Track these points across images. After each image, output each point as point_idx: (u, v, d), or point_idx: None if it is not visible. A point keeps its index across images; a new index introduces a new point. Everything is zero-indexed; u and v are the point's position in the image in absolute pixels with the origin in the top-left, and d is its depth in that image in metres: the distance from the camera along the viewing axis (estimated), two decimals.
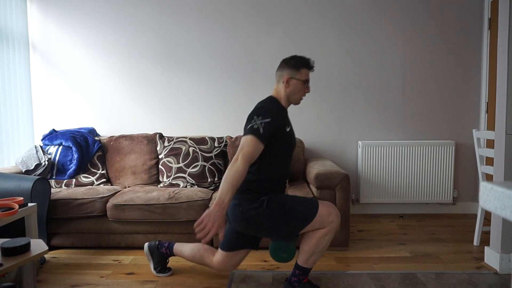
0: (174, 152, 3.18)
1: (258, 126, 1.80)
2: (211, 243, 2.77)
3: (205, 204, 2.72)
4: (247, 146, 1.78)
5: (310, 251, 1.94)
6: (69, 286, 2.23)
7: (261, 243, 2.73)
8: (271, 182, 1.97)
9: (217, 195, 1.72)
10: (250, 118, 1.87)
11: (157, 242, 2.30)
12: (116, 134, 3.64)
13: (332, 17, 3.55)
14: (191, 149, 3.18)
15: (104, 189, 2.92)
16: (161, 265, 2.33)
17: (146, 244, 2.33)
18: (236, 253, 2.06)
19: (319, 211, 1.89)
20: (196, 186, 3.09)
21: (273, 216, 1.88)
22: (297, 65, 1.97)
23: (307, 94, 3.29)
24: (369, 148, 3.53)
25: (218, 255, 2.08)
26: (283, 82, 1.97)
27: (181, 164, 3.14)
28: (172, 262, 2.57)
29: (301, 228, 1.92)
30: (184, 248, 2.21)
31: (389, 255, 2.65)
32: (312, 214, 1.89)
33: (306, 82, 1.99)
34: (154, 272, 2.34)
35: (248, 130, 1.81)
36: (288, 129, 1.96)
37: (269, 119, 1.82)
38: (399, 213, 3.66)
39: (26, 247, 1.61)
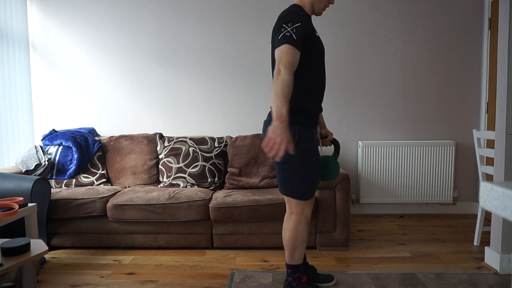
0: (174, 152, 3.18)
1: (290, 33, 1.67)
2: (211, 243, 2.78)
3: (205, 204, 2.72)
4: (285, 55, 1.65)
5: (290, 246, 1.93)
6: (69, 286, 2.23)
7: (260, 244, 2.73)
8: (308, 98, 1.85)
9: (272, 110, 1.60)
10: (278, 28, 1.72)
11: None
12: (116, 134, 3.64)
13: (332, 17, 3.55)
14: (191, 149, 3.18)
15: (104, 189, 2.92)
16: None
17: None
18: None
19: (309, 200, 1.91)
20: (196, 186, 3.09)
21: (289, 158, 1.80)
22: None
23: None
24: (369, 148, 3.53)
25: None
26: None
27: (181, 164, 3.14)
28: (171, 262, 2.57)
29: (287, 189, 1.86)
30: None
31: (389, 255, 2.65)
32: (307, 195, 1.88)
33: None
34: None
35: (281, 39, 1.67)
36: (317, 34, 1.86)
37: (299, 24, 1.70)
38: (399, 213, 3.66)
39: (26, 247, 1.61)
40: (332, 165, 1.98)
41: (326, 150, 3.61)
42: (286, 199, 1.92)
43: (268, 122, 1.87)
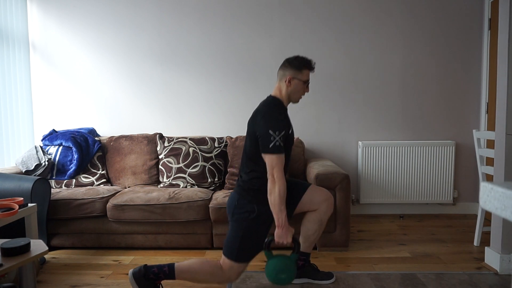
0: (174, 152, 3.18)
1: (279, 143, 1.90)
2: (211, 243, 2.77)
3: (205, 204, 2.72)
4: (276, 164, 1.90)
5: (191, 276, 2.00)
6: (69, 286, 2.23)
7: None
8: None
9: (275, 217, 1.91)
10: (265, 132, 1.90)
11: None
12: (116, 134, 3.64)
13: (332, 17, 3.55)
14: (191, 149, 3.18)
15: (104, 189, 2.92)
16: None
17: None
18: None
19: (241, 264, 1.99)
20: (196, 187, 3.08)
21: (245, 227, 1.98)
22: (300, 65, 2.03)
23: (306, 94, 3.33)
24: (369, 148, 3.53)
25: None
26: (286, 82, 2.03)
27: (181, 164, 3.14)
28: (171, 262, 2.57)
29: (230, 251, 1.98)
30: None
31: (389, 255, 2.65)
32: (244, 259, 1.99)
33: (306, 82, 2.06)
34: None
35: (272, 148, 1.89)
36: (290, 131, 2.03)
37: (284, 131, 1.92)
38: (399, 214, 3.66)
39: (26, 248, 1.61)
40: (292, 268, 1.98)
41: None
42: (223, 258, 2.01)
43: (232, 197, 2.06)
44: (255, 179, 1.99)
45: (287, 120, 2.02)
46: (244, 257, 1.98)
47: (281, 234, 1.90)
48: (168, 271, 1.96)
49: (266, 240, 2.00)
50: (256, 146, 1.96)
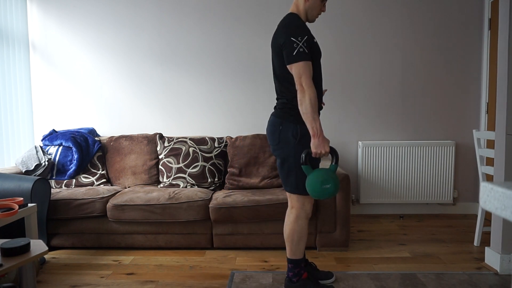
0: (174, 153, 3.18)
1: (303, 49, 1.83)
2: (211, 243, 2.78)
3: (205, 204, 2.72)
4: (304, 72, 1.83)
5: (290, 240, 2.01)
6: (69, 287, 2.23)
7: (260, 244, 2.73)
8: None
9: (308, 127, 1.84)
10: (286, 40, 1.85)
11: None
12: (116, 134, 3.64)
13: (332, 17, 3.55)
14: (191, 150, 3.18)
15: (104, 190, 2.92)
16: None
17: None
18: None
19: (308, 197, 1.98)
20: (196, 187, 3.08)
21: (292, 154, 1.94)
22: None
23: None
24: (369, 148, 3.53)
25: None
26: None
27: (181, 165, 3.14)
28: (171, 262, 2.57)
29: (289, 184, 1.97)
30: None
31: (389, 255, 2.65)
32: (305, 190, 1.94)
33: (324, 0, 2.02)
34: None
35: (296, 55, 1.83)
36: (315, 40, 2.00)
37: (306, 36, 1.86)
38: (399, 214, 3.66)
39: (26, 248, 1.61)
40: (335, 178, 1.88)
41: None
42: (288, 194, 2.03)
43: (272, 123, 2.01)
44: (294, 98, 1.92)
45: (309, 31, 1.94)
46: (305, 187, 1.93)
47: (318, 143, 1.83)
48: (293, 264, 2.02)
49: (303, 154, 1.89)
50: (283, 62, 1.91)
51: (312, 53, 1.92)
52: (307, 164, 1.90)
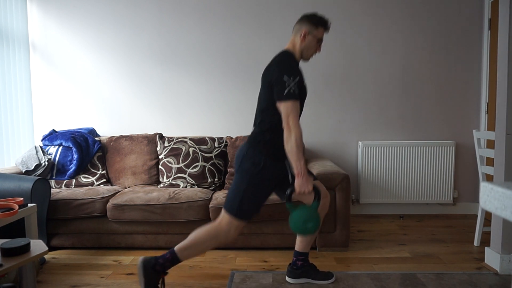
0: (174, 153, 3.18)
1: (293, 89, 1.87)
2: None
3: (205, 204, 2.72)
4: (292, 111, 1.86)
5: (192, 244, 1.99)
6: (69, 287, 2.23)
7: (259, 244, 2.73)
8: (281, 134, 1.97)
9: (293, 166, 1.87)
10: (278, 78, 1.89)
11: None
12: (116, 134, 3.63)
13: (332, 17, 3.55)
14: (191, 150, 3.18)
15: (104, 190, 2.92)
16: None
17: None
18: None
19: (242, 221, 1.98)
20: (196, 187, 3.08)
21: (249, 179, 1.96)
22: (317, 22, 2.04)
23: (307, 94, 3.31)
24: (369, 148, 3.53)
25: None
26: (301, 36, 2.03)
27: (181, 165, 3.14)
28: None
29: (231, 204, 1.97)
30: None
31: (389, 255, 2.65)
32: (244, 215, 1.97)
33: (320, 40, 2.07)
34: None
35: (287, 95, 1.87)
36: (304, 81, 2.02)
37: (298, 77, 1.90)
38: (399, 214, 3.66)
39: (26, 248, 1.61)
40: (316, 216, 1.93)
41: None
42: (222, 212, 2.00)
43: (241, 148, 2.04)
44: (267, 131, 1.97)
45: (301, 72, 1.99)
46: (243, 213, 1.96)
47: (301, 183, 1.86)
48: (171, 257, 1.97)
49: (287, 192, 1.94)
50: (270, 96, 1.94)
51: (300, 95, 1.95)
52: (291, 202, 1.95)
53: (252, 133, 2.06)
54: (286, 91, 1.86)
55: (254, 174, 1.95)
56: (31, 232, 2.21)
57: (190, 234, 2.02)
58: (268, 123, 1.97)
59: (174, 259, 1.98)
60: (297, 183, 1.87)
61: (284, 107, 1.88)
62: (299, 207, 1.95)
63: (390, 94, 3.60)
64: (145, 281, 1.96)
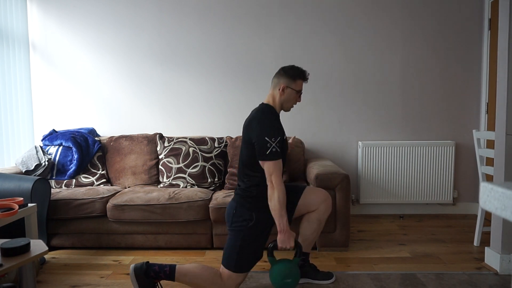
0: (174, 153, 3.18)
1: (276, 149, 1.91)
2: (211, 243, 2.77)
3: (205, 204, 2.72)
4: (274, 170, 1.92)
5: (193, 282, 1.99)
6: (69, 287, 2.23)
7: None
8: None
9: (276, 223, 1.93)
10: (261, 138, 1.92)
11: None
12: (116, 134, 3.63)
13: (332, 17, 3.55)
14: (191, 150, 3.18)
15: (104, 190, 2.92)
16: None
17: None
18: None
19: (240, 274, 1.99)
20: (196, 187, 3.08)
21: (244, 236, 1.99)
22: (294, 75, 2.06)
23: (307, 94, 3.33)
24: (369, 148, 3.53)
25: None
26: (279, 90, 2.06)
27: (181, 165, 3.14)
28: (171, 262, 2.57)
29: (229, 261, 1.99)
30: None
31: (389, 255, 2.65)
32: (242, 269, 1.99)
33: (299, 92, 2.09)
34: None
35: (269, 155, 1.91)
36: (285, 137, 2.05)
37: (279, 137, 1.94)
38: (399, 214, 3.66)
39: (26, 248, 1.61)
40: (296, 272, 2.00)
41: None
42: (222, 267, 2.02)
43: (230, 205, 2.08)
44: (253, 186, 2.01)
45: (281, 127, 2.05)
46: (242, 267, 1.99)
47: (283, 239, 1.92)
48: (169, 272, 1.96)
49: (269, 245, 2.02)
50: (252, 153, 1.97)
51: (281, 149, 1.98)
52: (273, 256, 2.01)
53: (237, 189, 2.09)
54: (268, 151, 1.91)
55: (247, 230, 1.99)
56: (31, 232, 2.21)
57: (195, 263, 2.03)
58: (252, 178, 2.01)
59: (170, 275, 1.98)
60: (279, 239, 1.92)
61: (267, 166, 1.93)
62: (280, 262, 2.01)
63: (390, 94, 3.60)
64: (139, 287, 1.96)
